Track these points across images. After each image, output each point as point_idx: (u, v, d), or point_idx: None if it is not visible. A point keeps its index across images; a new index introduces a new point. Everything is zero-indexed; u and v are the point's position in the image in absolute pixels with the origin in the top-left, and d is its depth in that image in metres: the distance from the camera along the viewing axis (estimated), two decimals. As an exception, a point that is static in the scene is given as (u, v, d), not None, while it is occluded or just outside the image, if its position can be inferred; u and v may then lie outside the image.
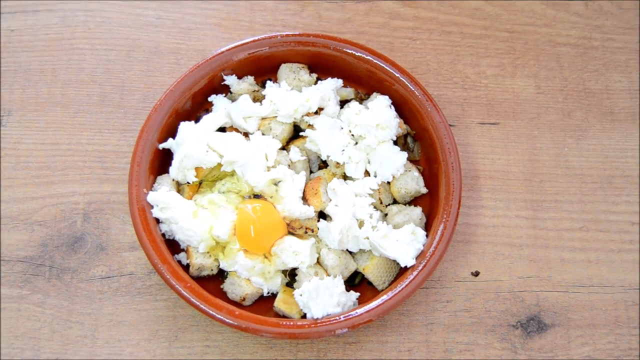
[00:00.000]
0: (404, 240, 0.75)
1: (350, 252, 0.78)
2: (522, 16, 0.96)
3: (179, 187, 0.80)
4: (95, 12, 0.94)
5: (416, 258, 0.75)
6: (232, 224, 0.76)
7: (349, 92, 0.86)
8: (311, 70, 0.86)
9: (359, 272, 0.78)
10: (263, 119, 0.82)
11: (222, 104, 0.83)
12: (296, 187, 0.78)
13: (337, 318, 0.71)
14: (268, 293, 0.77)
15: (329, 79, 0.84)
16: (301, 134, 0.82)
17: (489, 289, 0.81)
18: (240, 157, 0.77)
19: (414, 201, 0.82)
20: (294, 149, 0.81)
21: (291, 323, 0.72)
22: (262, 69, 0.85)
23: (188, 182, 0.79)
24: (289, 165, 0.80)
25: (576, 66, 0.94)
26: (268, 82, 0.84)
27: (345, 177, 0.81)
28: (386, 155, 0.79)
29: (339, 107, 0.83)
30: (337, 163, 0.80)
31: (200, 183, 0.81)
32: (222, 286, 0.77)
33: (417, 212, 0.79)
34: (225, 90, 0.85)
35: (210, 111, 0.84)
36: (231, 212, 0.77)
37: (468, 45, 0.94)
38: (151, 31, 0.93)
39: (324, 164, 0.83)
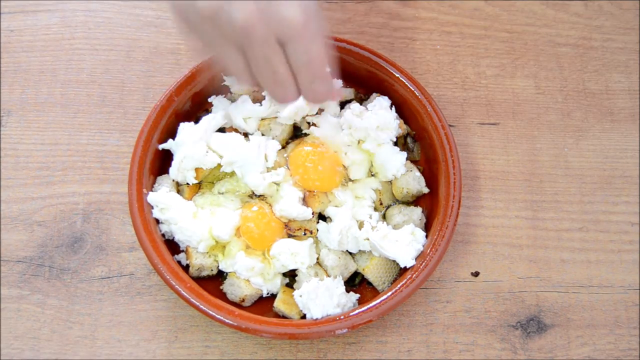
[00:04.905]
0: (403, 241, 0.75)
1: (350, 253, 0.78)
2: (522, 16, 0.96)
3: (178, 187, 0.80)
4: (95, 12, 0.94)
5: (416, 258, 0.75)
6: (232, 224, 0.76)
7: (349, 92, 0.85)
8: (311, 70, 0.86)
9: (358, 272, 0.78)
10: (263, 119, 0.82)
11: (221, 104, 0.83)
12: (295, 187, 0.78)
13: (337, 318, 0.71)
14: (267, 294, 0.77)
15: (329, 79, 0.84)
16: (305, 131, 0.82)
17: (489, 290, 0.81)
18: (240, 157, 0.77)
19: (414, 201, 0.82)
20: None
21: (291, 323, 0.72)
22: (262, 69, 0.85)
23: (188, 183, 0.79)
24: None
25: (576, 66, 0.93)
26: (268, 82, 0.84)
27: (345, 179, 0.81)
28: (386, 156, 0.79)
29: (339, 108, 0.83)
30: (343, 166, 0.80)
31: (200, 184, 0.81)
32: (221, 287, 0.77)
33: (417, 212, 0.79)
34: (225, 90, 0.85)
35: (210, 112, 0.84)
36: (231, 212, 0.77)
37: (468, 45, 0.94)
38: (151, 31, 0.93)
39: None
